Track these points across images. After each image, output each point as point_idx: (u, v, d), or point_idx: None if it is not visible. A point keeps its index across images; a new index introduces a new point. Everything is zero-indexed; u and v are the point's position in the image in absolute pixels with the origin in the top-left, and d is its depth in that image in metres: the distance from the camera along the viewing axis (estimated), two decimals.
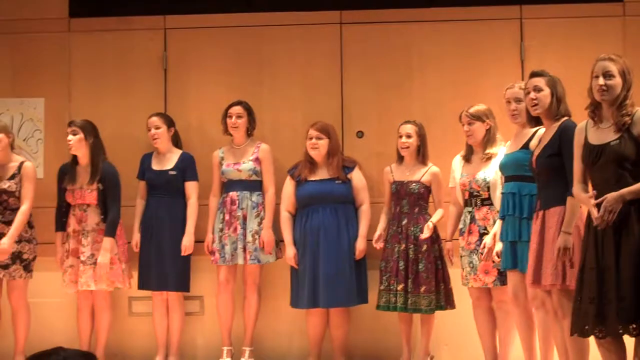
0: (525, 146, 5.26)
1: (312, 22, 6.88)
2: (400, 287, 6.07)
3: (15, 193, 6.40)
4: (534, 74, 5.07)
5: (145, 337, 6.59)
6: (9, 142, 6.48)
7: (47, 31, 7.03)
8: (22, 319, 6.42)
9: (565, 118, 4.95)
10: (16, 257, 6.36)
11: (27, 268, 6.41)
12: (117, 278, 6.36)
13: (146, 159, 6.63)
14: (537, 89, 4.99)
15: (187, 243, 6.43)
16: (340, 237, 6.24)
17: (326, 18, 6.88)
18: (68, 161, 6.52)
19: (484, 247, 5.60)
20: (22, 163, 6.49)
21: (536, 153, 4.97)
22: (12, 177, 6.43)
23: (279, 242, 6.48)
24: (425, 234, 6.00)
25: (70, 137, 6.39)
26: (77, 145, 6.41)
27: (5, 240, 6.24)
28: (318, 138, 6.34)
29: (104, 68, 6.99)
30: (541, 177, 4.94)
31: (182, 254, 6.42)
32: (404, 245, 6.12)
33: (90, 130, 6.43)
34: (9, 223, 6.37)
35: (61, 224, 6.46)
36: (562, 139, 4.82)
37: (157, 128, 6.55)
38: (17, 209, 6.38)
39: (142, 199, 6.59)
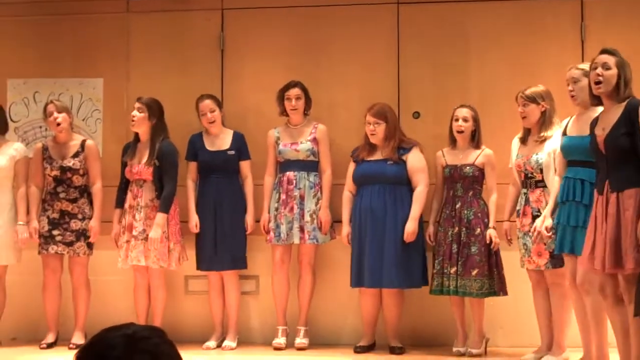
0: None
1: (368, 2, 6.84)
2: (452, 270, 6.05)
3: (79, 170, 6.52)
4: (605, 51, 4.85)
5: (201, 316, 6.66)
6: (69, 121, 6.59)
7: (106, 12, 7.09)
8: (83, 296, 6.54)
9: (630, 97, 4.79)
10: (80, 234, 6.48)
11: (90, 245, 6.52)
12: (162, 257, 6.40)
13: (197, 140, 6.64)
14: (606, 67, 4.79)
15: (251, 221, 6.49)
16: (387, 218, 6.22)
17: None
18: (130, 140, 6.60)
19: (534, 230, 5.53)
20: (84, 141, 6.60)
21: (601, 134, 4.81)
22: (76, 155, 6.54)
23: (334, 222, 6.48)
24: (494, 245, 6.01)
25: (135, 112, 6.45)
26: (140, 122, 6.46)
27: (93, 222, 6.43)
28: (376, 123, 6.30)
29: (162, 48, 7.04)
30: (612, 159, 4.74)
31: (247, 232, 6.46)
32: (457, 229, 6.09)
33: (155, 110, 6.49)
34: (73, 200, 6.50)
35: (121, 201, 6.54)
36: (633, 118, 4.64)
37: (212, 111, 6.57)
38: (80, 186, 6.51)
39: (192, 180, 6.62)
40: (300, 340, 6.41)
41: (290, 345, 6.43)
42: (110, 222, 6.55)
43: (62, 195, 6.53)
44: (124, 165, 6.53)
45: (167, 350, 1.71)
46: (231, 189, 6.54)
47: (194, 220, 6.53)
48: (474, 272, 6.00)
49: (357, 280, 6.24)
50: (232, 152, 6.55)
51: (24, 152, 6.68)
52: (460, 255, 6.05)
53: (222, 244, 6.47)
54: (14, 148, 6.61)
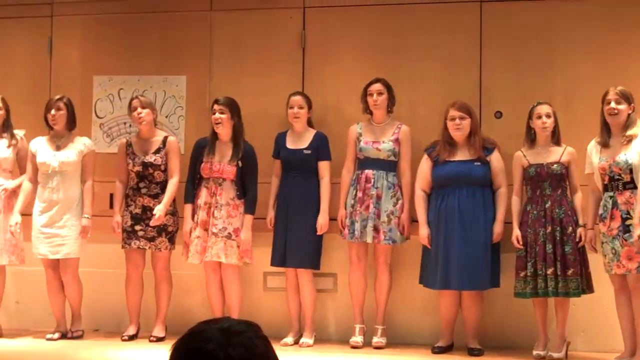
0: None
1: (451, 0, 6.79)
2: (550, 271, 5.93)
3: (161, 166, 6.62)
4: None
5: (279, 312, 6.69)
6: (153, 117, 6.70)
7: (190, 10, 7.19)
8: (164, 290, 6.64)
9: None
10: (162, 229, 6.58)
11: (171, 240, 6.62)
12: (247, 253, 6.48)
13: (281, 138, 6.69)
14: None
15: (323, 222, 6.48)
16: (476, 220, 6.16)
17: None
18: (205, 136, 6.66)
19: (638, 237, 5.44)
20: (166, 137, 6.70)
21: None
22: (158, 151, 6.64)
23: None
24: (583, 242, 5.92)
25: (218, 115, 6.51)
26: (225, 123, 6.52)
27: (160, 206, 6.49)
28: (461, 118, 6.25)
29: (244, 46, 7.10)
30: None
31: (318, 232, 6.47)
32: (549, 228, 5.98)
33: (235, 109, 6.55)
34: (154, 196, 6.61)
35: (192, 196, 6.60)
36: None
37: (301, 108, 6.59)
38: (162, 182, 6.62)
39: (277, 177, 6.66)
40: (378, 339, 6.40)
41: (367, 343, 6.41)
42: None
43: (143, 190, 6.64)
44: (199, 162, 6.58)
45: (261, 344, 1.72)
46: (306, 188, 6.55)
47: (270, 215, 6.58)
48: (570, 272, 5.90)
49: (444, 282, 6.17)
50: (309, 152, 6.56)
51: (92, 146, 6.79)
52: (557, 255, 5.95)
53: (292, 242, 6.49)
54: (82, 143, 6.73)
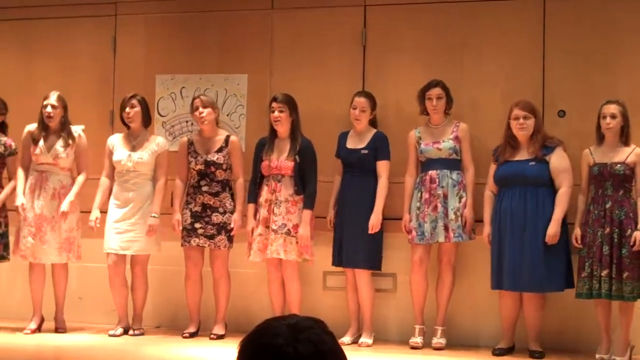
0: None
1: None
2: (604, 272, 5.83)
3: (223, 165, 6.67)
4: None
5: (338, 312, 6.68)
6: (215, 116, 6.75)
7: (251, 9, 7.23)
8: (223, 288, 6.69)
9: None
10: (221, 227, 6.63)
11: (230, 238, 6.66)
12: (306, 250, 6.48)
13: (342, 137, 6.68)
14: None
15: (374, 221, 6.44)
16: (528, 221, 6.08)
17: None
18: (266, 135, 6.68)
19: None
20: (228, 137, 6.74)
21: None
22: (220, 150, 6.69)
23: (476, 221, 6.39)
24: (637, 246, 5.78)
25: (277, 113, 6.53)
26: (284, 120, 6.54)
27: (236, 215, 6.58)
28: (525, 118, 6.17)
29: (305, 44, 7.11)
30: None
31: (369, 232, 6.44)
32: (608, 229, 5.88)
33: (293, 106, 6.57)
34: (215, 194, 6.66)
35: (254, 196, 6.63)
36: None
37: (363, 110, 6.56)
38: (223, 180, 6.67)
39: (339, 175, 6.66)
40: (438, 340, 6.36)
41: (427, 344, 6.38)
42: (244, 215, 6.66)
43: (204, 188, 6.69)
44: (259, 160, 6.62)
45: (329, 340, 1.73)
46: (363, 187, 6.53)
47: (330, 215, 6.59)
48: (625, 275, 5.79)
49: (497, 282, 6.14)
50: (366, 152, 6.54)
51: (166, 145, 6.88)
52: (613, 257, 5.85)
53: (350, 242, 6.48)
54: (156, 142, 6.82)
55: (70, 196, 6.73)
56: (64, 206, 6.67)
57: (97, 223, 6.68)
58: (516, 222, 6.09)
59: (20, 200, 6.70)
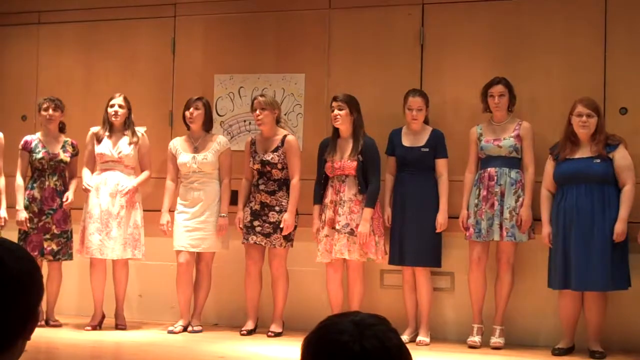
0: None
1: None
2: None
3: (278, 165, 6.69)
4: None
5: (396, 310, 6.64)
6: (274, 116, 6.77)
7: (309, 8, 7.24)
8: (281, 287, 6.71)
9: None
10: (277, 226, 6.65)
11: (288, 237, 6.68)
12: (370, 249, 6.47)
13: (395, 136, 6.65)
14: None
15: (442, 220, 6.43)
16: (594, 219, 5.98)
17: None
18: (329, 135, 6.69)
19: None
20: (285, 136, 6.76)
21: None
22: (276, 150, 6.72)
23: (534, 220, 6.32)
24: None
25: (336, 111, 6.54)
26: (344, 119, 6.55)
27: (287, 215, 6.59)
28: (588, 116, 6.07)
29: (362, 43, 7.10)
30: None
31: (437, 230, 6.42)
32: None
33: (354, 105, 6.56)
34: (271, 193, 6.70)
35: (319, 197, 6.65)
36: None
37: (419, 110, 6.53)
38: (279, 179, 6.70)
39: (391, 174, 6.64)
40: (496, 340, 6.30)
41: (485, 343, 6.32)
42: (308, 214, 6.68)
43: (262, 187, 6.73)
44: (323, 161, 6.63)
45: (394, 337, 1.73)
46: (424, 185, 6.51)
47: (387, 213, 6.57)
48: None
49: (563, 282, 6.04)
50: (426, 150, 6.51)
51: (227, 144, 6.94)
52: None
53: (409, 240, 6.46)
54: (218, 141, 6.90)
55: (135, 181, 6.87)
56: (127, 186, 6.81)
57: (169, 227, 6.80)
58: (583, 220, 5.99)
59: (86, 182, 6.83)
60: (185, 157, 6.85)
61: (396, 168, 6.64)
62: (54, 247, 6.88)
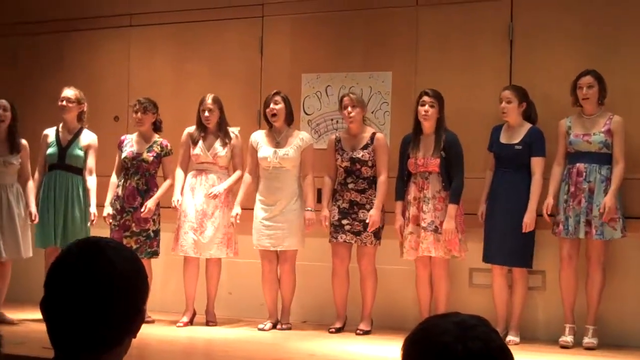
0: None
1: None
2: None
3: (368, 162, 6.70)
4: None
5: (484, 309, 6.55)
6: (363, 114, 6.78)
7: (396, 6, 7.23)
8: (370, 285, 6.72)
9: None
10: (367, 224, 6.64)
11: (377, 235, 6.68)
12: (454, 247, 6.44)
13: (495, 132, 6.58)
14: None
15: (528, 220, 6.32)
16: None
17: None
18: (410, 132, 6.66)
19: None
20: (374, 134, 6.77)
21: None
22: (365, 147, 6.73)
23: (626, 218, 6.18)
24: None
25: (427, 107, 6.50)
26: (431, 115, 6.51)
27: (373, 211, 6.59)
28: None
29: (450, 40, 7.05)
30: None
31: (523, 230, 6.32)
32: None
33: (442, 103, 6.53)
34: (361, 191, 6.71)
35: (402, 193, 6.62)
36: None
37: (509, 102, 6.45)
38: (369, 177, 6.72)
39: (491, 170, 6.57)
40: (589, 340, 6.19)
41: (577, 344, 6.22)
42: (392, 212, 6.66)
43: (350, 185, 6.74)
44: (405, 158, 6.60)
45: (497, 338, 1.72)
46: (516, 184, 6.42)
47: (481, 210, 6.51)
48: None
49: None
50: (520, 147, 6.42)
51: (310, 140, 6.97)
52: None
53: (501, 239, 6.38)
54: (300, 137, 6.92)
55: (225, 184, 6.95)
56: (217, 189, 6.89)
57: (238, 219, 6.84)
58: None
59: (176, 197, 6.94)
60: (266, 151, 6.88)
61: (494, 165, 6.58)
62: (133, 244, 6.96)
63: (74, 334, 1.87)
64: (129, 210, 7.04)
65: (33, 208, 6.95)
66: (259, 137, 6.98)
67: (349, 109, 6.73)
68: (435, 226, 6.42)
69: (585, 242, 6.27)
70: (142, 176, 7.10)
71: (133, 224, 7.03)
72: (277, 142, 6.91)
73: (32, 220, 6.94)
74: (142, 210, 6.95)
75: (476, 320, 1.76)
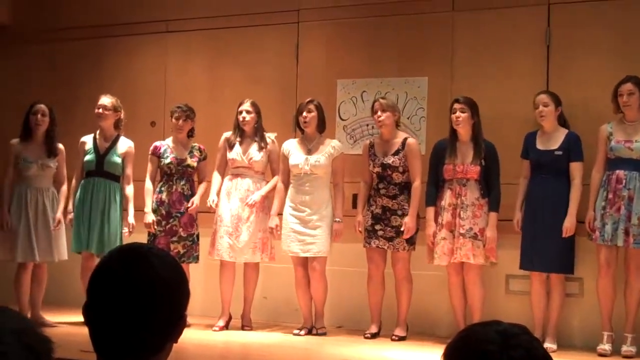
0: None
1: None
2: None
3: (399, 168, 6.69)
4: None
5: (521, 316, 6.50)
6: (394, 119, 6.78)
7: (431, 11, 7.21)
8: (405, 290, 6.70)
9: None
10: (400, 230, 6.65)
11: (411, 241, 6.67)
12: (492, 253, 6.41)
13: (530, 138, 6.55)
14: None
15: (569, 225, 6.28)
16: None
17: None
18: (444, 137, 6.64)
19: None
20: (405, 139, 6.76)
21: None
22: (396, 153, 6.72)
23: None
24: None
25: (459, 113, 6.48)
26: (465, 122, 6.50)
27: (408, 219, 6.58)
28: None
29: (486, 46, 7.02)
30: None
31: (563, 235, 6.28)
32: None
33: (475, 109, 6.51)
34: (393, 197, 6.70)
35: (434, 199, 6.61)
36: None
37: (546, 105, 6.41)
38: (400, 183, 6.70)
39: (525, 178, 6.54)
40: (627, 348, 6.12)
41: (615, 352, 6.15)
42: (423, 218, 6.64)
43: (382, 191, 6.74)
44: (439, 163, 6.58)
45: (539, 346, 1.71)
46: (557, 189, 6.38)
47: (517, 217, 6.48)
48: None
49: None
50: (560, 153, 6.38)
51: (342, 148, 6.97)
52: None
53: (542, 245, 6.34)
54: (332, 145, 6.92)
55: (262, 191, 6.97)
56: (253, 198, 6.91)
57: (277, 230, 6.87)
58: None
59: (212, 197, 6.99)
60: (298, 158, 6.89)
61: (530, 171, 6.53)
62: (180, 249, 7.04)
63: (116, 339, 1.89)
64: (176, 215, 7.09)
65: (59, 214, 7.04)
66: (290, 145, 7.00)
67: (379, 113, 6.73)
68: (475, 233, 6.40)
69: (623, 250, 6.21)
70: (187, 181, 7.17)
71: (180, 229, 7.09)
72: (309, 149, 6.92)
73: (56, 226, 7.02)
74: (188, 206, 7.02)
75: (518, 329, 1.75)
